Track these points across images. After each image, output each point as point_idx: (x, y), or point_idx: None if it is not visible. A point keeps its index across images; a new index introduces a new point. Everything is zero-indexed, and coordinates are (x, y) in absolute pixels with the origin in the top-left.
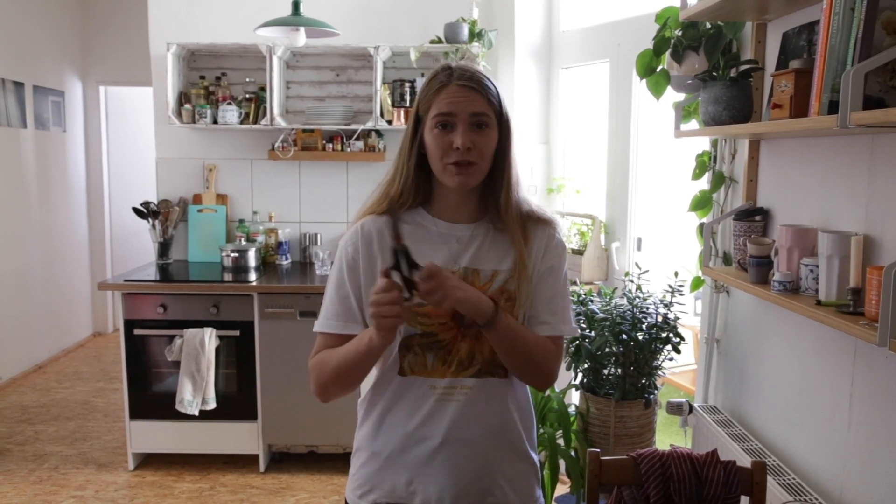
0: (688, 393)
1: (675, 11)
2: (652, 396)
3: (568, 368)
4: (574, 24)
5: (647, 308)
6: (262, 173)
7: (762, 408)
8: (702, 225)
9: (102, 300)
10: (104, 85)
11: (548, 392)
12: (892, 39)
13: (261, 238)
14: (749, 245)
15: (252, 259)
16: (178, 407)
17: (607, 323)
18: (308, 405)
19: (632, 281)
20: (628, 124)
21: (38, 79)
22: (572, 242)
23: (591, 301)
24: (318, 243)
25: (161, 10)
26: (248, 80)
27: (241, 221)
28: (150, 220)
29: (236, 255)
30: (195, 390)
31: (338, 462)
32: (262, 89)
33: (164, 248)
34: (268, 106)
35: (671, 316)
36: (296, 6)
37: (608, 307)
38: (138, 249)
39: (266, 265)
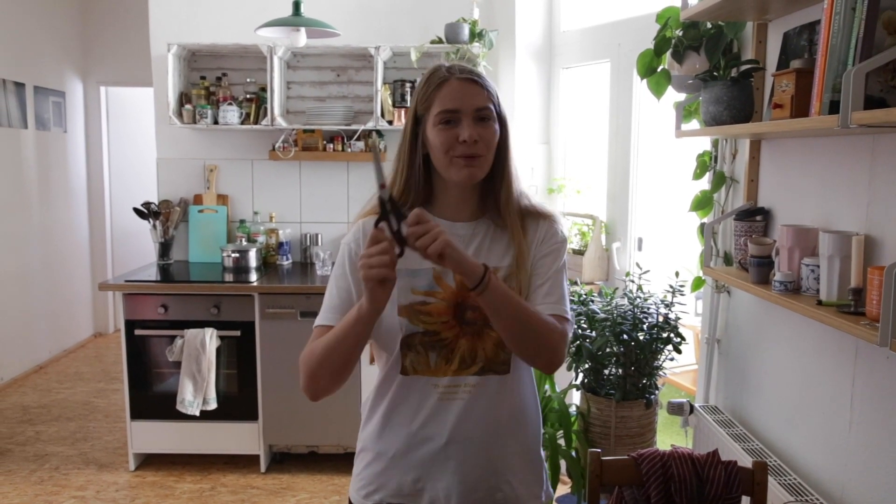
0: (689, 393)
1: (675, 11)
2: (653, 396)
3: (569, 368)
4: (575, 24)
5: (648, 308)
6: (263, 174)
7: (763, 408)
8: (703, 225)
9: (103, 300)
10: (105, 85)
11: (549, 392)
12: (893, 39)
13: (261, 238)
14: (750, 245)
15: (253, 259)
16: (178, 407)
17: (608, 323)
18: (309, 405)
19: (633, 281)
20: (629, 124)
21: (39, 79)
22: (573, 242)
23: (592, 301)
24: (319, 244)
25: (162, 11)
26: (248, 80)
27: (242, 222)
28: (150, 220)
29: (237, 255)
30: (196, 391)
31: (339, 462)
32: (263, 89)
33: (164, 249)
34: (268, 106)
35: (672, 316)
36: (296, 6)
37: (609, 307)
38: (139, 250)
39: (267, 265)
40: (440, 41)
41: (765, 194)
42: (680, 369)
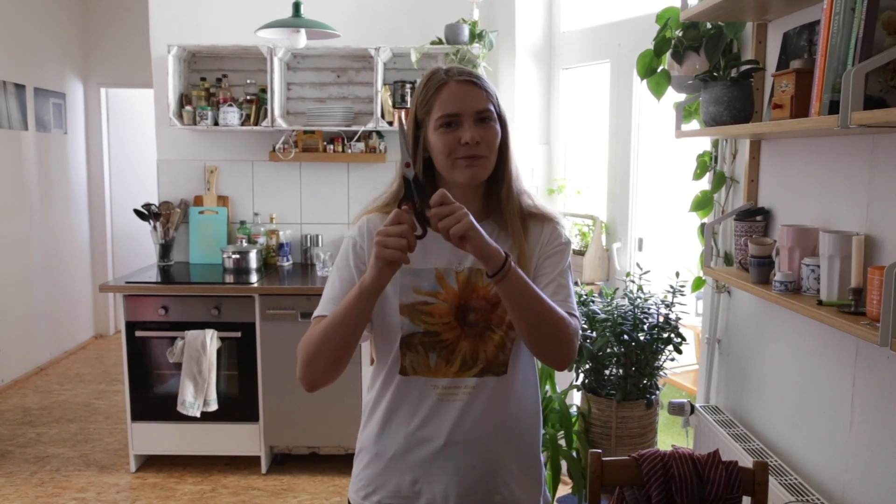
0: (689, 393)
1: (675, 12)
2: (653, 397)
3: (569, 369)
4: (574, 24)
5: (649, 308)
6: (263, 175)
7: (764, 408)
8: (703, 225)
9: (104, 302)
10: (105, 87)
11: (550, 393)
12: (892, 39)
13: (262, 239)
14: (750, 245)
15: (253, 260)
16: (179, 408)
17: (609, 323)
18: (310, 406)
19: (633, 281)
20: (629, 125)
21: (40, 81)
22: (573, 243)
23: (593, 301)
24: (320, 245)
25: (162, 12)
26: (248, 81)
27: (243, 223)
28: (151, 221)
29: (237, 256)
30: (197, 392)
31: (340, 463)
32: (263, 91)
33: (165, 250)
34: (269, 107)
35: (672, 316)
36: (296, 8)
37: (609, 308)
38: (139, 251)
39: (267, 266)
40: (440, 42)
41: (765, 194)
42: (680, 369)
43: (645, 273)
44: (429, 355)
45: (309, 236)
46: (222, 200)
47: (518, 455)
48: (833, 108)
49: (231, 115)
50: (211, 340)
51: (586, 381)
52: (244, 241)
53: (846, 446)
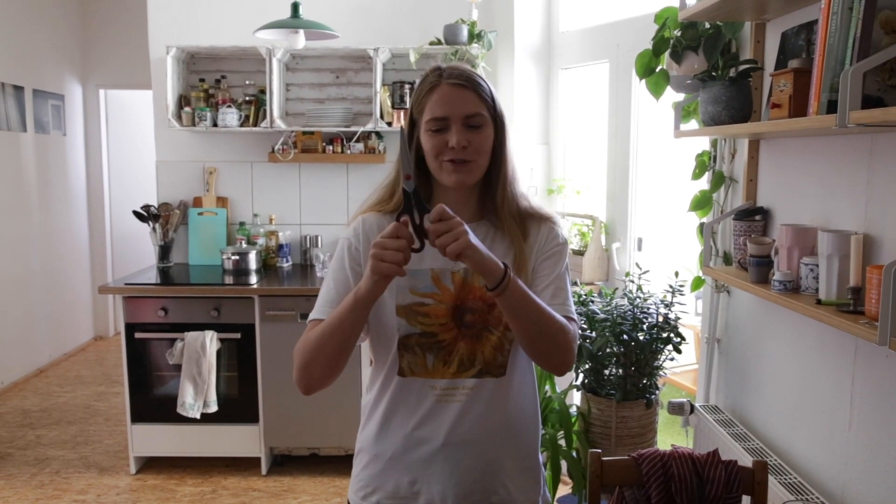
0: (689, 393)
1: (674, 12)
2: (653, 396)
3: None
4: (573, 24)
5: (648, 308)
6: (263, 176)
7: (763, 407)
8: (702, 225)
9: (103, 304)
10: (104, 88)
11: (549, 393)
12: (890, 39)
13: (261, 241)
14: (749, 245)
15: (253, 262)
16: (179, 410)
17: (608, 323)
18: (310, 407)
19: (632, 281)
20: (628, 125)
21: (38, 83)
22: (573, 243)
23: (592, 301)
24: (319, 245)
25: (160, 14)
26: (247, 82)
27: (242, 224)
28: (150, 223)
29: (237, 257)
30: (196, 393)
31: (340, 464)
32: (262, 92)
33: (164, 252)
34: (267, 108)
35: (672, 316)
36: (295, 8)
37: (609, 307)
38: (139, 253)
39: (267, 268)
40: (439, 42)
41: (764, 194)
42: (680, 369)
43: (644, 273)
44: (426, 356)
45: (308, 237)
46: (221, 201)
47: (516, 456)
48: (831, 107)
49: (230, 116)
50: (210, 342)
51: (586, 380)
52: (243, 242)
53: (845, 445)
